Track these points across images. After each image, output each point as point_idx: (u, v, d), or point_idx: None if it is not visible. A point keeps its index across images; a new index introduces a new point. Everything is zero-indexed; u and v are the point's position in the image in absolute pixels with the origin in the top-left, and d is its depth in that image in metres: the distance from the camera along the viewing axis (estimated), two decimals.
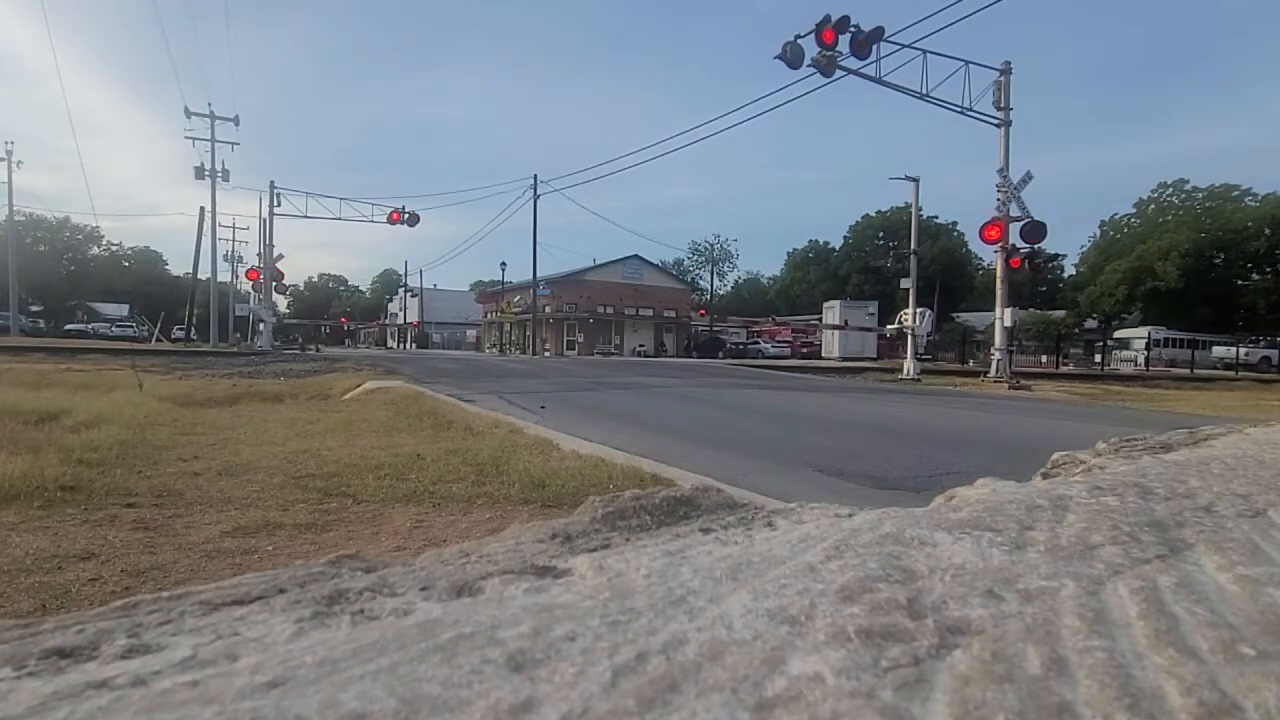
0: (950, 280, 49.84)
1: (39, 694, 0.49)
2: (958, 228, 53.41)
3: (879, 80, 16.06)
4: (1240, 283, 44.57)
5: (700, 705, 0.47)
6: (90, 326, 44.86)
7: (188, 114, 31.23)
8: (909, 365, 19.72)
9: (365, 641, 0.57)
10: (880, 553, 0.80)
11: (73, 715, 0.46)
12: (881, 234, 54.58)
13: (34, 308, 50.05)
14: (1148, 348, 36.48)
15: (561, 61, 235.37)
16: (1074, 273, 55.12)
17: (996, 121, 17.08)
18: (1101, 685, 0.51)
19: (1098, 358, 35.76)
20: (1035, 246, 16.51)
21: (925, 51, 16.17)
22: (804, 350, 39.01)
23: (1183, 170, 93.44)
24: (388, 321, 73.74)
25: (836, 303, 37.56)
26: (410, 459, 4.43)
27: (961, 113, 17.00)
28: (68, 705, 0.47)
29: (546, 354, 38.55)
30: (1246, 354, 36.62)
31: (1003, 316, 16.99)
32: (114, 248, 64.32)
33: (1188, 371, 30.36)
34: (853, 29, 15.03)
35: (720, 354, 37.54)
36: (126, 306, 55.05)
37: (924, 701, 0.49)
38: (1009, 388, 15.79)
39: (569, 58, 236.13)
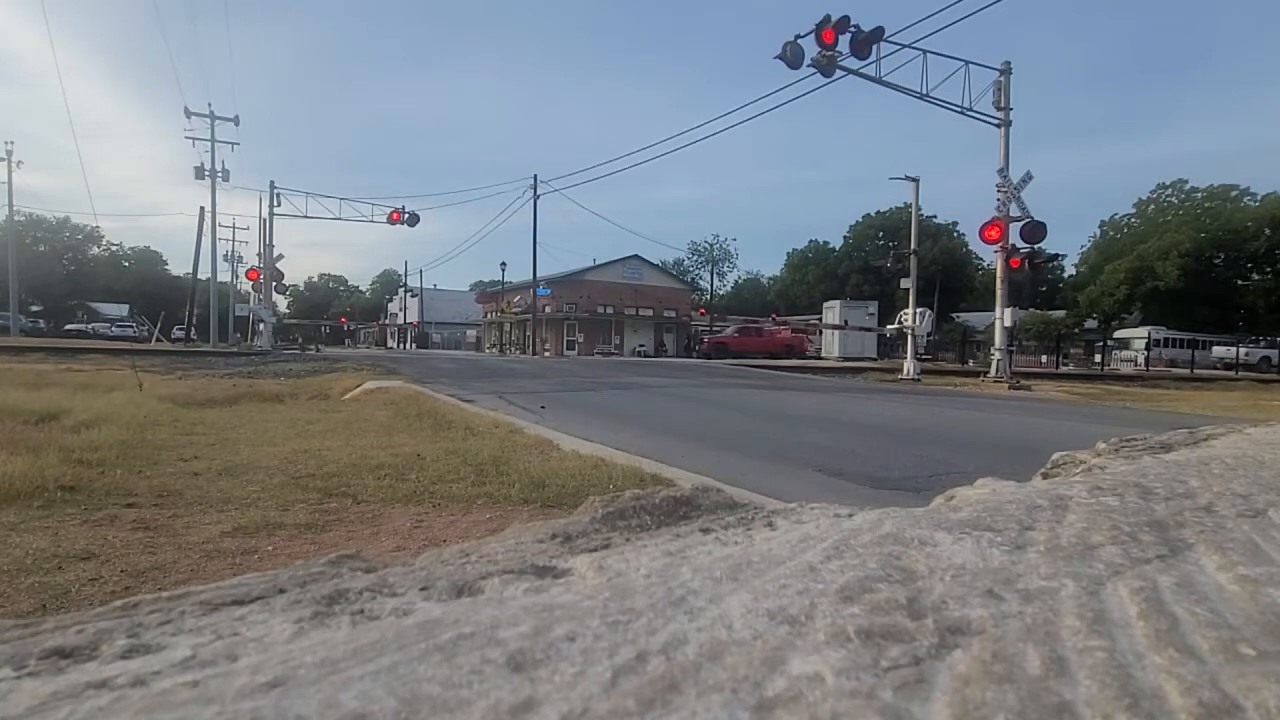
0: (950, 280, 49.83)
1: (39, 694, 0.49)
2: (958, 228, 53.47)
3: (879, 80, 16.05)
4: (1240, 283, 44.59)
5: (700, 705, 0.47)
6: (90, 326, 44.82)
7: (188, 114, 31.22)
8: (909, 365, 19.71)
9: (365, 641, 0.57)
10: (880, 553, 0.80)
11: (73, 715, 0.46)
12: (881, 234, 54.57)
13: (34, 308, 50.05)
14: (1148, 348, 36.49)
15: (561, 61, 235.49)
16: (1074, 273, 55.19)
17: (996, 121, 17.06)
18: (1101, 685, 0.51)
19: (1098, 358, 35.76)
20: (1035, 246, 16.50)
21: (925, 51, 16.16)
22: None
23: (1183, 170, 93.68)
24: (388, 321, 73.75)
25: (836, 303, 37.50)
26: (410, 459, 4.43)
27: (961, 113, 16.99)
28: (68, 705, 0.47)
29: (546, 354, 38.53)
30: (1246, 354, 36.60)
31: (1003, 316, 16.97)
32: (114, 248, 64.41)
33: (1188, 371, 30.35)
34: (853, 29, 15.01)
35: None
36: (126, 306, 55.07)
37: (924, 701, 0.49)
38: (1009, 388, 15.79)
39: (569, 57, 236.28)
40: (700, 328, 47.45)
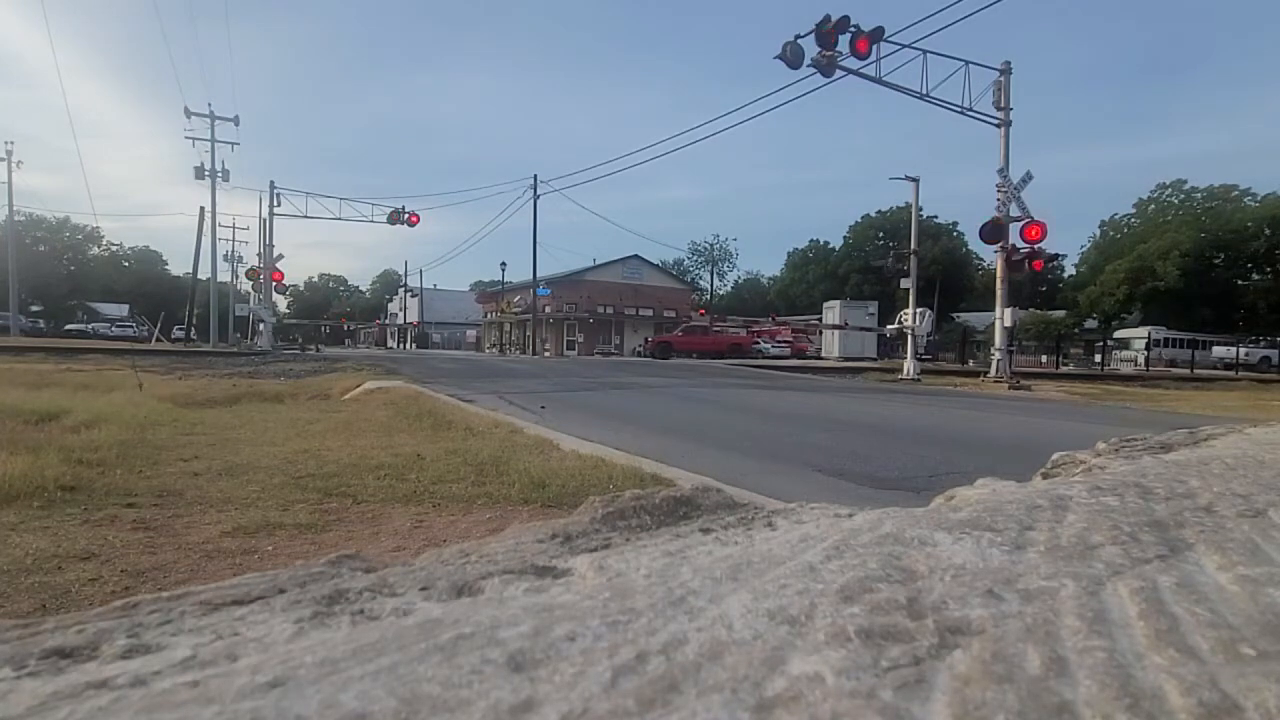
0: (950, 280, 49.83)
1: (39, 694, 0.49)
2: (958, 228, 53.49)
3: (879, 80, 16.05)
4: (1240, 283, 44.60)
5: (700, 705, 0.47)
6: (90, 326, 44.85)
7: (188, 114, 31.19)
8: (909, 365, 19.70)
9: (365, 641, 0.57)
10: (880, 553, 0.80)
11: (73, 715, 0.46)
12: (881, 234, 54.59)
13: (34, 308, 50.06)
14: (1148, 348, 36.48)
15: (562, 61, 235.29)
16: (1074, 273, 55.18)
17: (996, 121, 17.06)
18: (1101, 685, 0.51)
19: (1098, 358, 35.75)
20: (1035, 246, 16.50)
21: (925, 51, 16.15)
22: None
23: (1183, 170, 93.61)
24: (388, 321, 73.75)
25: (836, 303, 37.46)
26: (410, 459, 4.43)
27: (961, 113, 16.98)
28: (68, 705, 0.47)
29: (546, 354, 38.54)
30: (1246, 354, 36.60)
31: (1003, 316, 16.97)
32: (114, 248, 64.49)
33: (1188, 371, 30.34)
34: (853, 29, 15.01)
35: None
36: (126, 306, 55.12)
37: (924, 701, 0.49)
38: (1009, 388, 15.78)
39: (569, 57, 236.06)
40: (700, 327, 47.50)
